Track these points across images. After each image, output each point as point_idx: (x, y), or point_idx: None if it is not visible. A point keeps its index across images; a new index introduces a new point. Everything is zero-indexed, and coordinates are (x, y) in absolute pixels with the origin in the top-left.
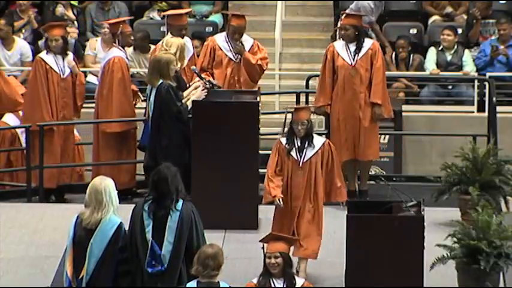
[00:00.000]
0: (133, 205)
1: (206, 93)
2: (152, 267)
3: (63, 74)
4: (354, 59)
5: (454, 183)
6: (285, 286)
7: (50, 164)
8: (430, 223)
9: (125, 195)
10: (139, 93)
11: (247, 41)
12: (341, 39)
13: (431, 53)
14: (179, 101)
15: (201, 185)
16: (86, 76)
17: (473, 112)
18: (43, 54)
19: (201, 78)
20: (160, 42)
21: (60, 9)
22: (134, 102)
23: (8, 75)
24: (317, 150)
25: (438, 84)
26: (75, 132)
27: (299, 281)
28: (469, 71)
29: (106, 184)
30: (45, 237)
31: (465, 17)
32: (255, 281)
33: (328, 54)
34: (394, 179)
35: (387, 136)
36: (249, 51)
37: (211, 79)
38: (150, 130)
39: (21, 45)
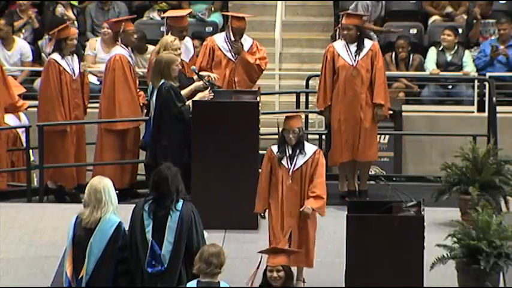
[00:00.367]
0: (133, 205)
1: (213, 95)
2: (152, 267)
3: (74, 75)
4: (355, 60)
5: (454, 183)
6: None
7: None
8: (430, 223)
9: (125, 195)
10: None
11: (246, 40)
12: (342, 39)
13: (432, 53)
14: (180, 101)
15: (201, 185)
16: None
17: (473, 112)
18: (55, 56)
19: (201, 78)
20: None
21: (60, 9)
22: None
23: (8, 75)
24: (308, 159)
25: (438, 84)
26: None
27: None
28: (469, 71)
29: (105, 183)
30: (45, 237)
31: (465, 17)
32: None
33: (328, 55)
34: (394, 179)
35: (387, 136)
36: (248, 51)
37: (210, 74)
38: (152, 129)
39: (21, 45)
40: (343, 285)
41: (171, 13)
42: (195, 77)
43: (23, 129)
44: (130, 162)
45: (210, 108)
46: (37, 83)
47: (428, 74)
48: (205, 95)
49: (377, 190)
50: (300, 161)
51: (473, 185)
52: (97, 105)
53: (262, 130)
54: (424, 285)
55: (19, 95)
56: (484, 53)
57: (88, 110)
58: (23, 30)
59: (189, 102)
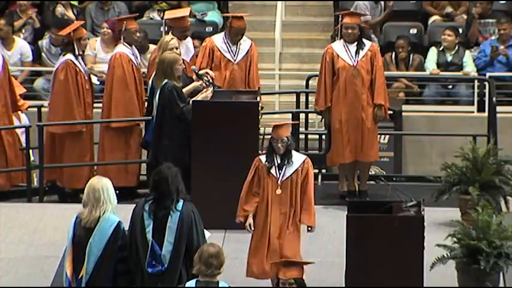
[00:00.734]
0: (133, 205)
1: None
2: (152, 267)
3: (86, 75)
4: (355, 60)
5: (454, 183)
6: None
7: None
8: (430, 223)
9: (125, 195)
10: None
11: (245, 41)
12: (342, 39)
13: (432, 53)
14: (182, 101)
15: (201, 185)
16: None
17: (473, 112)
18: (70, 56)
19: (201, 78)
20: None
21: (60, 9)
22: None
23: None
24: (297, 168)
25: (438, 84)
26: None
27: None
28: (469, 71)
29: (103, 183)
30: (45, 237)
31: (465, 17)
32: None
33: (326, 56)
34: (394, 179)
35: (387, 136)
36: (246, 54)
37: (208, 71)
38: (154, 129)
39: (21, 45)
40: (343, 285)
41: (170, 14)
42: (194, 77)
43: (23, 129)
44: (133, 162)
45: (210, 108)
46: (37, 83)
47: (428, 74)
48: (207, 94)
49: (377, 190)
50: (288, 170)
51: (473, 185)
52: (99, 104)
53: (262, 130)
54: (424, 285)
55: (20, 95)
56: (484, 53)
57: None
58: (23, 30)
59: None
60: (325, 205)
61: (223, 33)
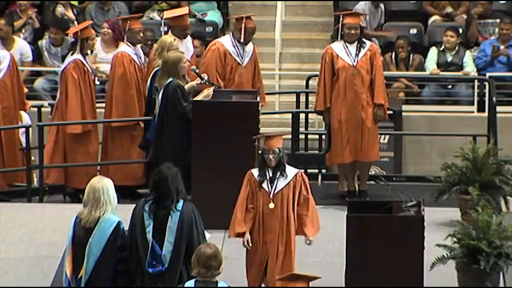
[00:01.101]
0: (133, 205)
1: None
2: (153, 267)
3: (93, 75)
4: (354, 60)
5: (454, 183)
6: None
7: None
8: (430, 223)
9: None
10: None
11: (248, 45)
12: (342, 39)
13: (433, 53)
14: (186, 100)
15: (201, 185)
16: None
17: (473, 112)
18: (79, 56)
19: (201, 78)
20: None
21: (60, 9)
22: None
23: None
24: (289, 182)
25: (438, 84)
26: None
27: None
28: (469, 71)
29: (104, 183)
30: (45, 237)
31: (465, 17)
32: None
33: (326, 57)
34: (394, 179)
35: (387, 136)
36: (251, 56)
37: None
38: (156, 127)
39: (21, 45)
40: (343, 285)
41: (170, 13)
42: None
43: (23, 129)
44: (133, 162)
45: (210, 108)
46: (37, 83)
47: (428, 74)
48: (208, 93)
49: (377, 190)
50: (280, 183)
51: (473, 185)
52: (102, 104)
53: (262, 130)
54: (424, 285)
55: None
56: (484, 53)
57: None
58: (23, 30)
59: None
60: (325, 205)
61: (228, 36)
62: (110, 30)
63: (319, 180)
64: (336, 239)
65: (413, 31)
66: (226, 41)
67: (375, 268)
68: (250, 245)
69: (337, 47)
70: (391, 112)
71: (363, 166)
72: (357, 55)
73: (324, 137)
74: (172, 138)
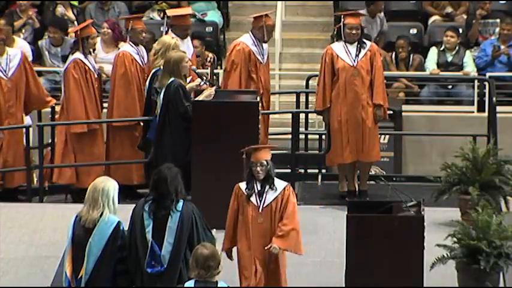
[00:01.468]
0: (133, 205)
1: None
2: (152, 267)
3: (96, 74)
4: (354, 60)
5: (454, 183)
6: None
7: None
8: (430, 223)
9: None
10: None
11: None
12: (343, 39)
13: (433, 53)
14: (187, 100)
15: (201, 185)
16: None
17: (473, 112)
18: (79, 55)
19: (201, 78)
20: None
21: (60, 9)
22: None
23: None
24: (277, 195)
25: (438, 84)
26: None
27: None
28: (469, 71)
29: (106, 184)
30: (45, 237)
31: (465, 17)
32: None
33: (326, 57)
34: (394, 179)
35: (387, 136)
36: (268, 54)
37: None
38: (157, 127)
39: (21, 45)
40: (343, 285)
41: (174, 12)
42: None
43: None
44: (133, 162)
45: (210, 108)
46: None
47: (428, 74)
48: (210, 93)
49: (377, 190)
50: (269, 197)
51: (473, 185)
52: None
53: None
54: (424, 285)
55: None
56: (485, 53)
57: None
58: (23, 30)
59: None
60: (325, 205)
61: (248, 35)
62: (109, 30)
63: (319, 180)
64: (336, 239)
65: (413, 31)
66: (248, 41)
67: (375, 268)
68: (231, 256)
69: (338, 47)
70: (391, 112)
71: (363, 166)
72: (357, 55)
73: (324, 137)
74: (173, 138)
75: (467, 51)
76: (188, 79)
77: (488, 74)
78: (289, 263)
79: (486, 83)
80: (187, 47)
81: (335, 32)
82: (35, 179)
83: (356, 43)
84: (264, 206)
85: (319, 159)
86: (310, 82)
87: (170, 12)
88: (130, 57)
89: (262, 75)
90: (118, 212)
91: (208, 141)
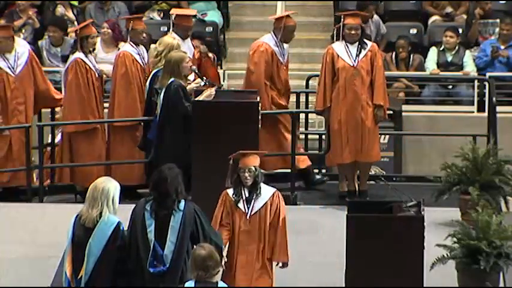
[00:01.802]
0: (133, 205)
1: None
2: (154, 267)
3: (97, 74)
4: (355, 60)
5: (454, 183)
6: None
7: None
8: (430, 223)
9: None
10: None
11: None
12: (343, 39)
13: (433, 53)
14: (187, 101)
15: (201, 185)
16: None
17: (473, 112)
18: (80, 54)
19: (201, 78)
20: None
21: (60, 9)
22: None
23: None
24: (266, 202)
25: (438, 84)
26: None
27: None
28: (469, 71)
29: (106, 185)
30: (45, 237)
31: (465, 17)
32: None
33: (327, 57)
34: (394, 179)
35: (387, 136)
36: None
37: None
38: (157, 127)
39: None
40: (343, 285)
41: (179, 11)
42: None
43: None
44: (133, 162)
45: (210, 108)
46: None
47: (428, 74)
48: (211, 93)
49: (377, 190)
50: (257, 204)
51: (473, 185)
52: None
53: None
54: (424, 285)
55: None
56: (485, 53)
57: None
58: (23, 30)
59: None
60: (325, 205)
61: (269, 36)
62: (109, 30)
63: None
64: (336, 239)
65: (413, 31)
66: (270, 41)
67: (375, 268)
68: (225, 260)
69: (338, 47)
70: (391, 112)
71: (363, 166)
72: (357, 56)
73: (324, 137)
74: (173, 138)
75: (467, 51)
76: (191, 78)
77: (488, 74)
78: (289, 263)
79: (486, 83)
80: (187, 48)
81: (334, 32)
82: (35, 179)
83: (357, 43)
84: (252, 213)
85: (319, 159)
86: (310, 82)
87: (175, 11)
88: (131, 58)
89: (283, 75)
90: (118, 212)
91: (208, 141)
